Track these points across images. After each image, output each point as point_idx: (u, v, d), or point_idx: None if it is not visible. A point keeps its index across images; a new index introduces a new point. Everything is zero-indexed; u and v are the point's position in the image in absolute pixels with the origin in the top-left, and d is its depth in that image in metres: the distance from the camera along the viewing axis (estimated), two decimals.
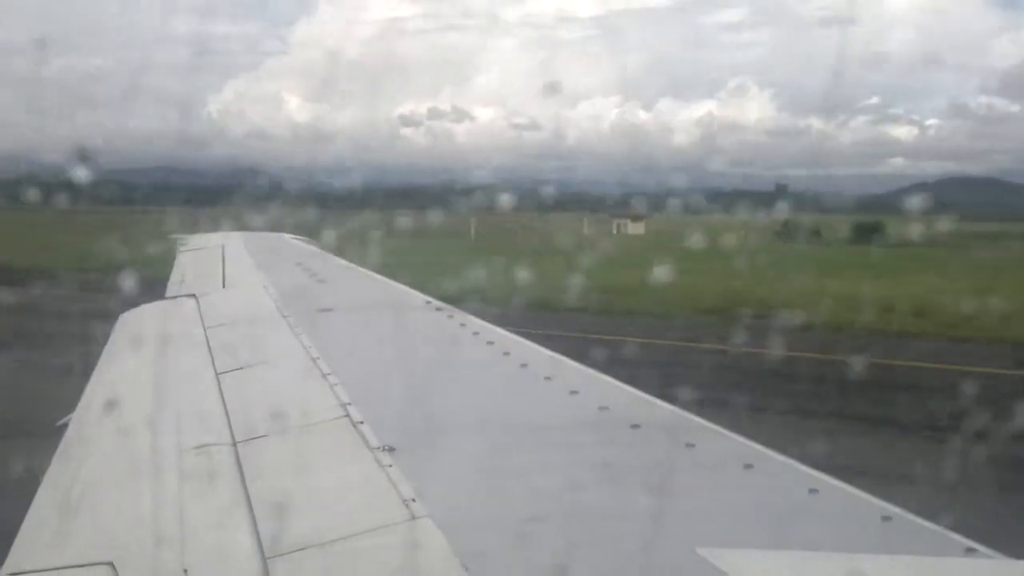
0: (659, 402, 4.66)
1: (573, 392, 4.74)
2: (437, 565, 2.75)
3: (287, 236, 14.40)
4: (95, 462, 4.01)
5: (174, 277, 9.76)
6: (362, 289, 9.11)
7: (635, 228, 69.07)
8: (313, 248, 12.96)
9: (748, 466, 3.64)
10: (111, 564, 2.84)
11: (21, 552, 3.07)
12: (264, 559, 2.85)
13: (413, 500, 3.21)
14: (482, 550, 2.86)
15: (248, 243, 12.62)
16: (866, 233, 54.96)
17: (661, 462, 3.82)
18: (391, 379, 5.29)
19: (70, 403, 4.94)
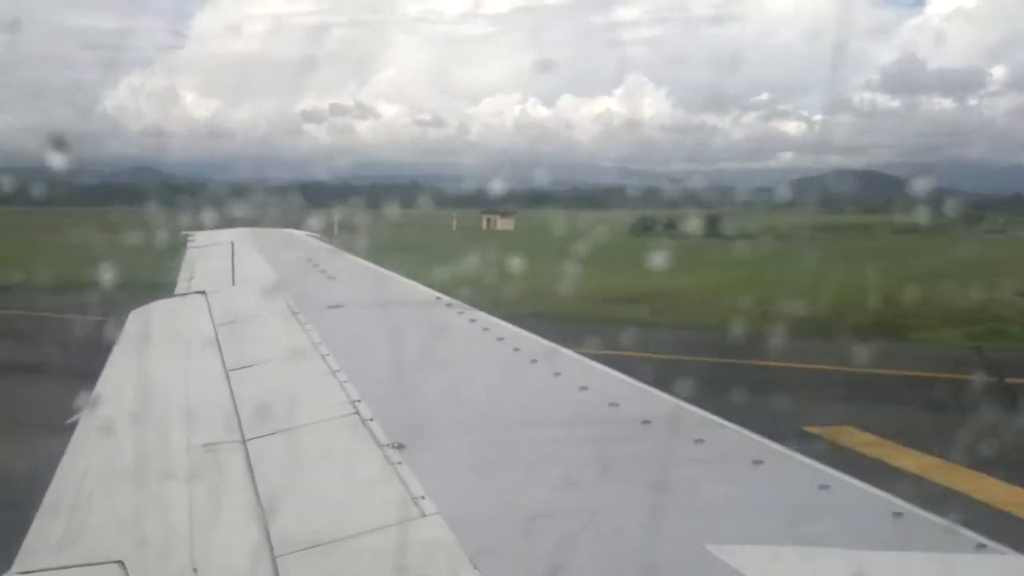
0: (669, 398, 4.64)
1: (583, 388, 4.74)
2: (447, 563, 2.75)
3: (298, 232, 14.41)
4: (105, 460, 4.02)
5: (183, 274, 9.78)
6: (373, 286, 9.11)
7: (504, 224, 69.65)
8: (324, 244, 12.96)
9: (757, 462, 3.62)
10: (121, 563, 2.84)
11: (31, 550, 3.08)
12: (273, 557, 2.85)
13: (423, 497, 3.21)
14: (491, 547, 2.85)
15: (258, 239, 12.64)
16: (718, 226, 56.19)
17: (670, 458, 3.80)
18: (401, 376, 5.29)
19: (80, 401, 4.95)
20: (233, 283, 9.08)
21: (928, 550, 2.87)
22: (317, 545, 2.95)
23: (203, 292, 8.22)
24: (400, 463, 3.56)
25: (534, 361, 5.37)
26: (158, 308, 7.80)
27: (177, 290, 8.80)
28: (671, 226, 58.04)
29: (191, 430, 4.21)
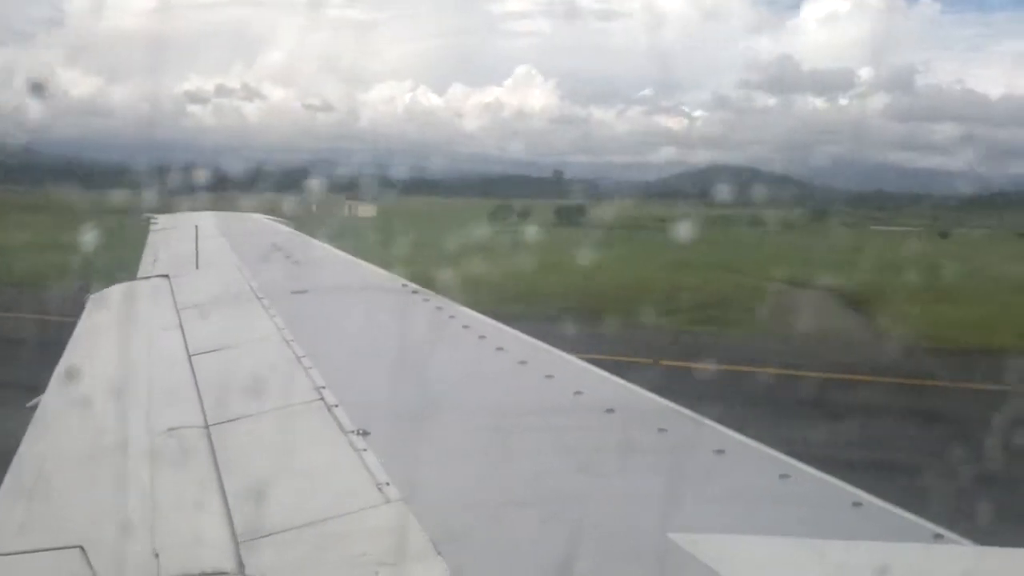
0: (634, 387, 4.68)
1: (548, 376, 4.75)
2: (410, 549, 2.75)
3: (261, 216, 14.29)
4: (65, 444, 3.97)
5: (146, 257, 9.66)
6: (338, 271, 9.06)
7: (365, 211, 70.64)
8: (288, 229, 12.87)
9: (720, 451, 3.66)
10: (81, 547, 2.81)
11: None
12: (236, 543, 2.84)
13: (387, 484, 3.21)
14: (455, 534, 2.86)
15: (222, 223, 12.52)
16: (568, 216, 59.17)
17: (634, 447, 3.83)
18: (366, 362, 5.28)
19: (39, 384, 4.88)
20: (197, 267, 8.98)
21: (886, 539, 2.92)
22: (280, 531, 2.94)
23: (166, 276, 8.13)
24: (365, 449, 3.55)
25: (500, 349, 5.38)
26: (120, 291, 7.70)
27: (140, 273, 8.69)
28: (525, 215, 60.26)
29: (153, 414, 4.16)
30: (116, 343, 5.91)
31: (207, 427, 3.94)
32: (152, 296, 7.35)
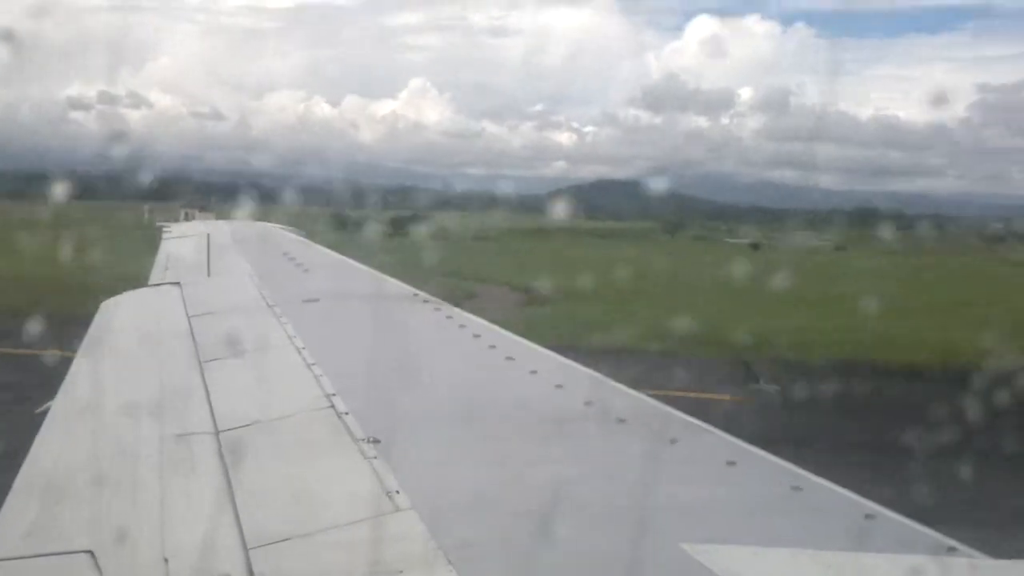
0: (644, 397, 4.66)
1: (559, 386, 4.74)
2: (420, 557, 2.74)
3: (273, 225, 14.32)
4: (75, 450, 3.97)
5: (158, 264, 9.68)
6: (349, 280, 9.06)
7: (203, 217, 71.84)
8: (300, 238, 12.88)
9: (731, 463, 3.64)
10: (91, 552, 2.81)
11: (1, 540, 3.04)
12: (246, 549, 2.83)
13: (397, 492, 3.19)
14: (465, 542, 2.84)
15: (234, 231, 12.54)
16: (399, 225, 60.23)
17: (645, 457, 3.81)
18: (376, 370, 5.27)
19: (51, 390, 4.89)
20: (208, 275, 9.00)
21: (899, 552, 2.89)
22: (290, 538, 2.93)
23: (178, 283, 8.14)
24: (375, 457, 3.55)
25: (510, 358, 5.37)
26: (132, 298, 7.72)
27: (151, 280, 8.70)
28: (358, 223, 61.17)
29: (164, 421, 4.16)
30: (127, 349, 5.92)
31: (217, 433, 3.94)
32: (163, 303, 7.36)
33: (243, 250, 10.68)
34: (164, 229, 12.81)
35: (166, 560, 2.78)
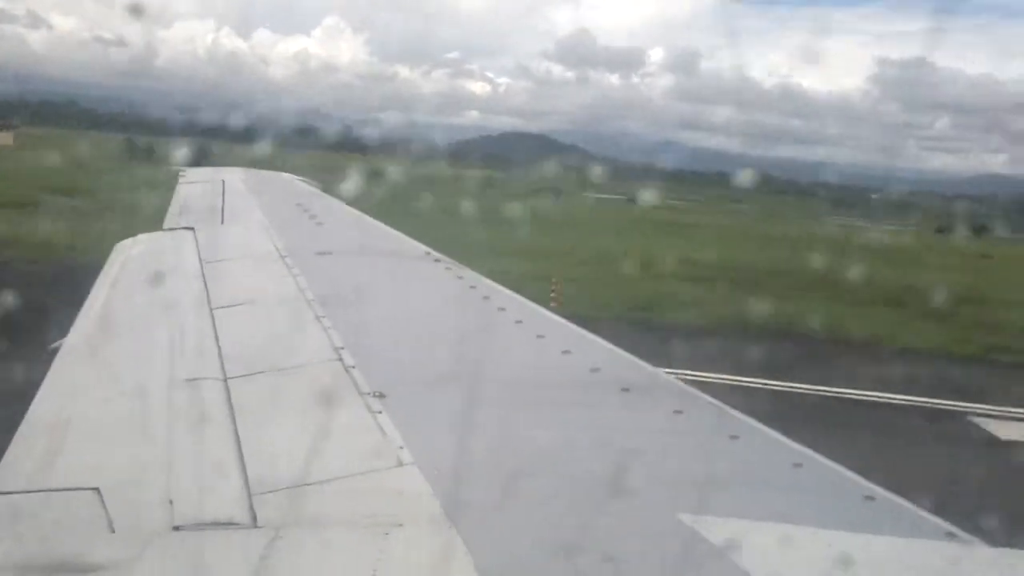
0: (652, 367, 4.67)
1: (566, 352, 4.75)
2: (420, 512, 2.77)
3: (288, 176, 14.31)
4: (85, 388, 4.01)
5: (172, 209, 9.70)
6: (363, 235, 9.07)
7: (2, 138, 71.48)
8: (315, 189, 12.88)
9: (734, 437, 3.66)
10: (97, 489, 2.85)
11: (8, 473, 3.08)
12: (249, 495, 2.87)
13: (401, 447, 3.23)
14: (466, 501, 2.88)
15: (249, 180, 12.54)
16: (135, 153, 64.28)
17: (648, 427, 3.84)
18: (386, 327, 5.29)
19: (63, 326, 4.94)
20: (222, 221, 9.02)
21: (897, 535, 2.91)
22: (293, 487, 2.97)
23: (191, 228, 8.17)
24: (380, 412, 3.58)
25: (519, 322, 5.38)
26: (145, 241, 7.75)
27: (165, 224, 8.73)
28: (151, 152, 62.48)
29: (173, 364, 4.20)
30: (139, 292, 5.96)
31: (225, 379, 3.97)
32: (176, 247, 7.39)
33: (257, 198, 10.69)
34: (180, 173, 12.82)
35: (171, 502, 2.82)
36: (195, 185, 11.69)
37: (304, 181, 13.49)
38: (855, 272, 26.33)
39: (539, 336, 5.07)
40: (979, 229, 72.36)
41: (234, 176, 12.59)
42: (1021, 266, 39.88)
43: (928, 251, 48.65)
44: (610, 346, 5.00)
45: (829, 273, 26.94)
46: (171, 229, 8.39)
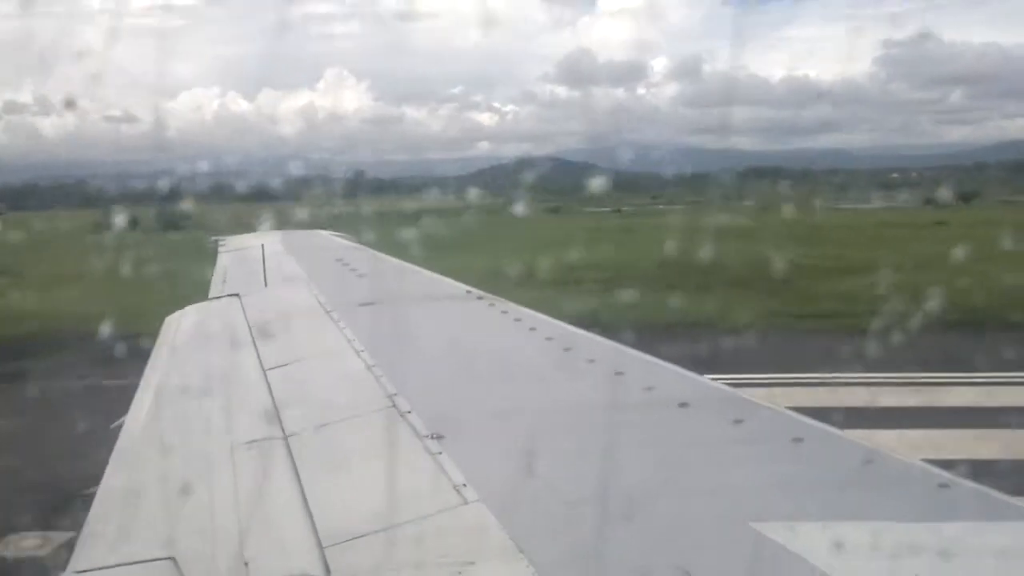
0: (706, 380, 4.65)
1: (618, 373, 4.74)
2: (492, 548, 2.77)
3: (325, 232, 14.50)
4: (150, 461, 4.08)
5: (216, 278, 9.88)
6: (403, 282, 9.15)
7: None
8: (350, 243, 13.03)
9: (798, 440, 3.61)
10: (173, 559, 2.89)
11: (85, 551, 3.14)
12: (321, 548, 2.89)
13: (464, 485, 3.23)
14: (535, 532, 2.87)
15: (287, 241, 12.74)
16: (167, 221, 60.75)
17: (710, 439, 3.81)
18: (436, 369, 5.32)
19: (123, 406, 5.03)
20: (265, 284, 9.16)
21: (975, 520, 2.86)
22: (363, 535, 2.98)
23: (236, 295, 8.30)
24: (440, 453, 3.59)
25: (568, 350, 5.38)
26: (194, 312, 7.89)
27: (211, 293, 8.89)
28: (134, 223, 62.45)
29: (233, 429, 4.26)
30: (192, 361, 6.06)
31: (286, 438, 4.02)
32: (224, 314, 7.51)
33: (296, 258, 10.85)
34: (220, 243, 13.05)
35: (246, 563, 2.85)
36: (235, 252, 11.89)
37: (339, 236, 13.67)
38: (737, 255, 27.08)
39: (590, 361, 5.07)
40: (968, 197, 76.23)
41: (272, 239, 12.79)
42: (964, 232, 38.94)
43: (878, 226, 49.83)
44: (663, 363, 4.98)
45: (716, 259, 26.95)
46: (217, 297, 8.54)
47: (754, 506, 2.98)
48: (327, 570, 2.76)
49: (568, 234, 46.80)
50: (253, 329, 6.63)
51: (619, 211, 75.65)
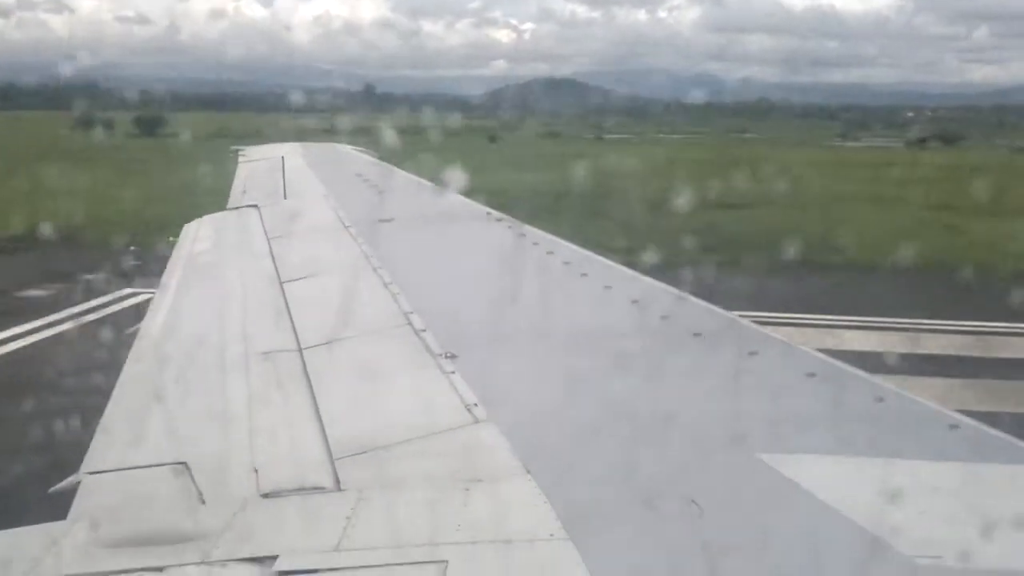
0: (721, 311, 4.62)
1: (634, 301, 4.72)
2: (500, 467, 2.79)
3: (346, 147, 14.40)
4: (165, 367, 4.12)
5: (235, 188, 9.85)
6: (423, 200, 9.11)
7: None
8: (372, 159, 12.94)
9: (811, 374, 3.60)
10: (185, 464, 2.93)
11: (98, 452, 3.18)
12: (332, 460, 2.92)
13: (475, 405, 3.25)
14: (544, 452, 2.89)
15: (307, 154, 12.66)
16: (147, 126, 65.48)
17: (722, 370, 3.80)
18: (451, 288, 5.32)
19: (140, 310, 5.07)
20: (285, 197, 9.13)
21: (984, 461, 2.85)
22: (373, 449, 3.01)
23: (255, 206, 8.28)
24: (452, 372, 3.60)
25: (584, 275, 5.36)
26: (212, 221, 7.89)
27: (230, 204, 8.87)
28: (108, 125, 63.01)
29: (248, 339, 4.28)
30: (211, 271, 6.07)
31: (300, 350, 4.04)
32: (243, 225, 7.51)
33: (317, 172, 10.79)
34: (240, 153, 12.98)
35: (256, 471, 2.88)
36: (255, 163, 11.83)
37: (360, 151, 13.57)
38: (630, 188, 26.52)
39: (606, 287, 5.04)
40: (951, 139, 78.76)
41: (293, 151, 12.71)
42: (895, 174, 39.96)
43: (829, 164, 50.47)
44: (680, 293, 4.95)
45: (595, 190, 28.04)
46: (236, 207, 8.52)
47: (763, 438, 2.98)
48: (337, 481, 2.79)
49: (523, 157, 47.03)
50: (271, 241, 6.63)
51: (601, 139, 77.27)
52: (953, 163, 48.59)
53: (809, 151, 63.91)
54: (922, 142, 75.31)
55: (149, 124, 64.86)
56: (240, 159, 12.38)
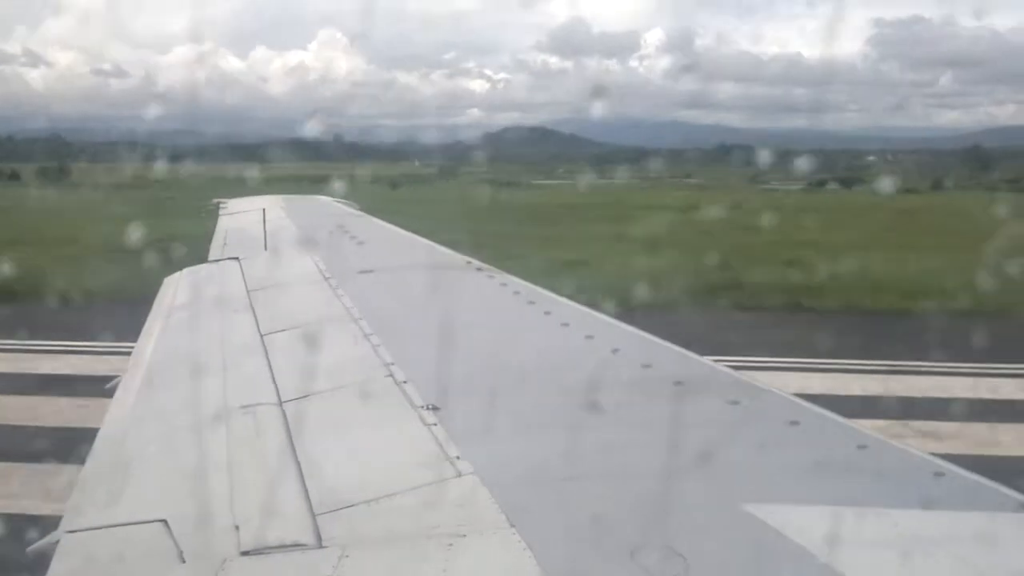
0: (703, 359, 4.63)
1: (615, 350, 4.73)
2: (484, 520, 2.77)
3: (326, 198, 14.44)
4: (144, 423, 4.07)
5: (216, 241, 9.84)
6: (403, 250, 9.12)
7: None
8: (353, 210, 12.98)
9: (794, 423, 3.60)
10: (164, 521, 2.89)
11: (76, 511, 3.13)
12: (313, 516, 2.88)
13: (458, 458, 3.23)
14: (527, 506, 2.86)
15: (289, 206, 12.68)
16: (52, 176, 66.76)
17: (705, 419, 3.79)
18: (433, 339, 5.31)
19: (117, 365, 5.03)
20: (265, 248, 9.12)
21: (969, 509, 2.85)
22: (356, 504, 2.98)
23: (236, 258, 8.27)
24: (435, 424, 3.58)
25: (566, 324, 5.36)
26: (192, 273, 7.86)
27: (210, 256, 8.85)
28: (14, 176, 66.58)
29: (228, 393, 4.25)
30: (189, 323, 6.04)
31: (280, 404, 4.01)
32: (223, 278, 7.49)
33: (298, 224, 10.81)
34: (221, 205, 12.99)
35: (237, 527, 2.84)
36: (236, 215, 11.85)
37: (341, 202, 13.60)
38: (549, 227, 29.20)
39: (587, 337, 5.05)
40: (850, 182, 79.36)
41: (273, 203, 12.73)
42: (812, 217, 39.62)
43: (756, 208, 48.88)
44: (661, 341, 4.96)
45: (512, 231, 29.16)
46: (217, 260, 8.50)
47: (748, 488, 2.98)
48: (318, 538, 2.76)
49: (456, 206, 47.48)
50: (251, 294, 6.61)
51: (527, 184, 78.99)
52: (804, 205, 49.58)
53: (705, 193, 65.34)
54: (821, 184, 77.21)
55: (53, 175, 66.03)
56: (220, 211, 12.38)
